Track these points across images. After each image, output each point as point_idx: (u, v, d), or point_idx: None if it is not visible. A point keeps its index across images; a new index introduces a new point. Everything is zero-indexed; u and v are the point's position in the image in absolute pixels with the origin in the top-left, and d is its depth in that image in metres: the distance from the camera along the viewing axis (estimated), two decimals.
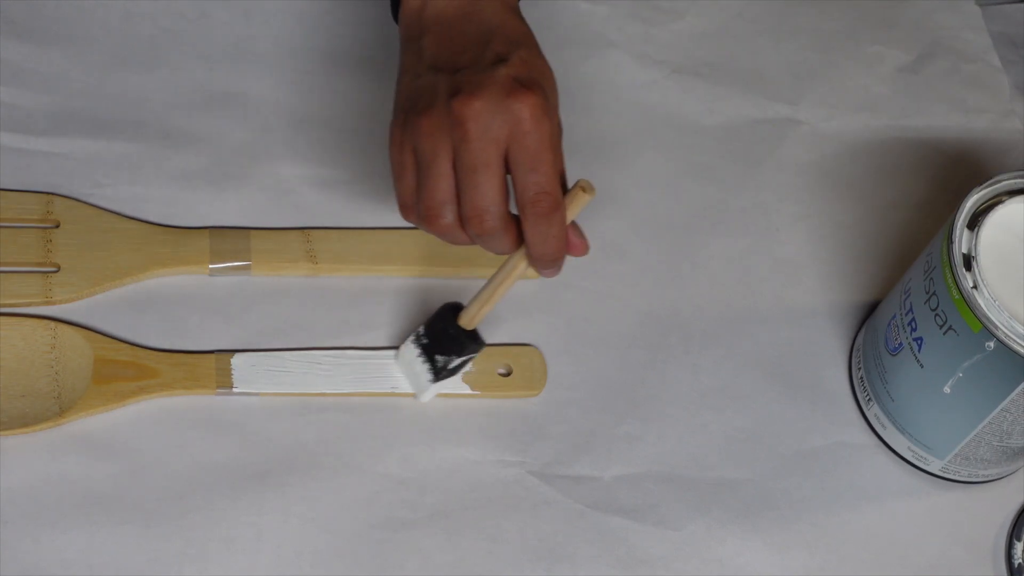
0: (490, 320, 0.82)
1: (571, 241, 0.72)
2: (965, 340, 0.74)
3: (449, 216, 0.70)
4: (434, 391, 0.78)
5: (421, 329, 0.78)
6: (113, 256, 0.80)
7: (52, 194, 0.81)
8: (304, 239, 0.82)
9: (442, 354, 0.77)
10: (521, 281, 0.84)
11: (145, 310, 0.79)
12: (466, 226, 0.70)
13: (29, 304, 0.78)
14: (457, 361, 0.77)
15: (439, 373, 0.77)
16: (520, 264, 0.73)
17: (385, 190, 0.85)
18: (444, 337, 0.77)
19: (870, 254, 0.88)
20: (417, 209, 0.71)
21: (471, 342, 0.77)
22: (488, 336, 0.82)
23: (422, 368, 0.78)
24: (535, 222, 0.70)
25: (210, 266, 0.80)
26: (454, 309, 0.77)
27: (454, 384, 0.79)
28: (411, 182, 0.71)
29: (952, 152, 0.93)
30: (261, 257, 0.81)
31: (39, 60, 0.86)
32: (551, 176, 0.69)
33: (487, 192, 0.69)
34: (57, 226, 0.80)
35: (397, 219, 0.84)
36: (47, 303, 0.78)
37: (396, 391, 0.79)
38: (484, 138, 0.68)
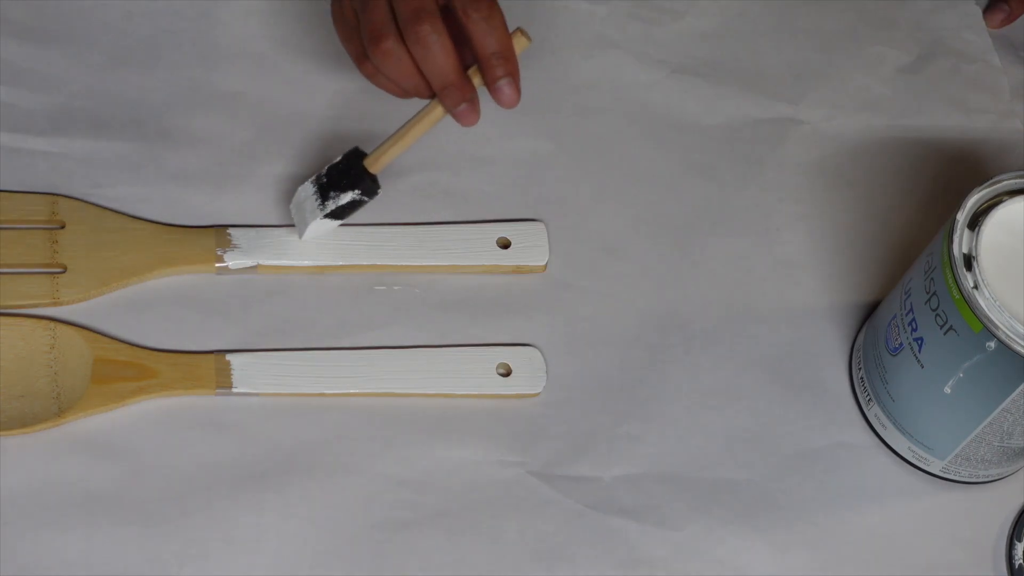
0: (490, 320, 0.82)
1: (502, 89, 0.75)
2: (966, 340, 0.74)
3: (390, 36, 0.73)
4: (316, 228, 0.79)
5: (323, 170, 0.79)
6: (119, 256, 0.80)
7: (57, 195, 0.81)
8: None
9: (336, 190, 0.78)
10: (521, 281, 0.84)
11: (145, 310, 0.79)
12: (406, 36, 0.72)
13: (36, 305, 0.78)
14: (347, 197, 0.77)
15: (327, 207, 0.78)
16: (437, 108, 0.75)
17: (385, 189, 0.85)
18: (343, 174, 0.78)
19: (870, 254, 0.88)
20: (364, 47, 0.74)
21: (369, 181, 0.78)
22: (488, 336, 0.82)
23: (312, 205, 0.78)
24: (475, 19, 0.73)
25: (216, 265, 0.80)
26: (361, 154, 0.78)
27: (453, 384, 0.79)
28: (357, 35, 0.75)
29: (952, 152, 0.93)
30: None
31: (39, 60, 0.86)
32: None
33: None
34: (62, 227, 0.80)
35: (397, 216, 0.84)
36: (54, 304, 0.78)
37: (396, 391, 0.79)
38: None
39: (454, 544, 0.76)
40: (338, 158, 0.79)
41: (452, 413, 0.79)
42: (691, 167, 0.90)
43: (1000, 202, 0.76)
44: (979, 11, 0.99)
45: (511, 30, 0.75)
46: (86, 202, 0.81)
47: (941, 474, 0.81)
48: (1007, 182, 0.76)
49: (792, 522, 0.79)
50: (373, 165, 0.78)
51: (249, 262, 0.81)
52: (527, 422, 0.80)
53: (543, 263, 0.84)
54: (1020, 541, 0.80)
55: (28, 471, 0.74)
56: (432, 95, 0.76)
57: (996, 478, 0.82)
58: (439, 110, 0.77)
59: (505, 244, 0.84)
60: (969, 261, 0.74)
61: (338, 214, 0.79)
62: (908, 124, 0.94)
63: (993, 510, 0.81)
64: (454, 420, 0.79)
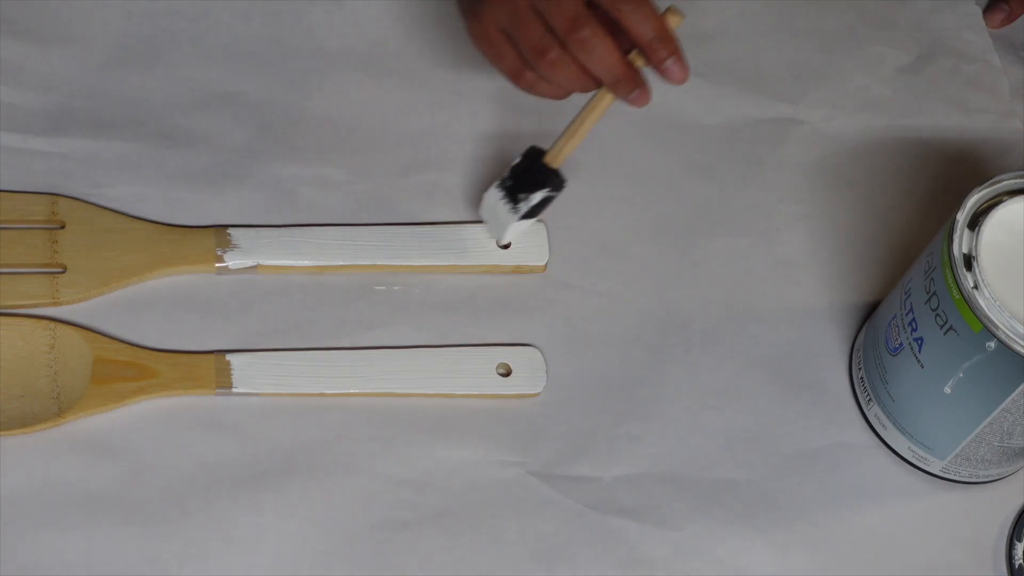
0: (490, 320, 0.82)
1: (670, 69, 0.77)
2: (966, 340, 0.74)
3: (553, 47, 0.75)
4: (515, 231, 0.80)
5: (506, 173, 0.80)
6: (119, 256, 0.80)
7: (57, 195, 0.81)
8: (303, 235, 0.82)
9: (524, 191, 0.79)
10: (521, 281, 0.84)
11: (145, 310, 0.79)
12: (567, 43, 0.75)
13: (36, 305, 0.78)
14: (539, 196, 0.79)
15: (520, 209, 0.79)
16: (605, 97, 0.77)
17: (385, 189, 0.85)
18: (527, 174, 0.79)
19: (870, 254, 0.88)
20: (526, 63, 0.76)
21: (554, 177, 0.79)
22: (488, 336, 0.82)
23: (504, 209, 0.80)
24: (627, 11, 0.75)
25: (216, 265, 0.80)
26: (539, 152, 0.79)
27: (453, 384, 0.79)
28: (510, 51, 0.77)
29: (952, 152, 0.93)
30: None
31: (39, 60, 0.86)
32: None
33: (569, 2, 0.74)
34: (63, 227, 0.80)
35: (397, 216, 0.84)
36: (54, 304, 0.78)
37: (396, 391, 0.79)
38: None
39: (454, 544, 0.76)
40: (517, 159, 0.80)
41: (452, 413, 0.79)
42: (691, 167, 0.90)
43: (1000, 202, 0.76)
44: (979, 11, 0.99)
45: (661, 11, 0.76)
46: (86, 202, 0.81)
47: (941, 474, 0.81)
48: (1007, 182, 0.76)
49: (792, 522, 0.79)
50: (554, 160, 0.80)
51: (249, 262, 0.81)
52: (527, 422, 0.80)
53: (543, 263, 0.84)
54: (1020, 541, 0.80)
55: (28, 471, 0.74)
56: (598, 87, 0.78)
57: (996, 478, 0.82)
58: (609, 98, 0.78)
59: (505, 244, 0.84)
60: (969, 261, 0.74)
61: (532, 213, 0.80)
62: (908, 124, 0.94)
63: (993, 510, 0.81)
64: (454, 420, 0.79)
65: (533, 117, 0.89)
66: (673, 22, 0.77)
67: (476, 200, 0.86)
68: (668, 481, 0.79)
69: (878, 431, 0.82)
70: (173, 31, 0.88)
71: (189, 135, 0.85)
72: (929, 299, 0.75)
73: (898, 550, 0.79)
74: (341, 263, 0.82)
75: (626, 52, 0.77)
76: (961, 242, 0.74)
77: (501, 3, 0.76)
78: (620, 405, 0.81)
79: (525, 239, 0.84)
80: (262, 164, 0.85)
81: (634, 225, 0.87)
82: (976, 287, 0.73)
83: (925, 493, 0.81)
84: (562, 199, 0.87)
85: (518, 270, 0.84)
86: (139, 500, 0.74)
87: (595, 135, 0.90)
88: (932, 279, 0.75)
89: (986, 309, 0.72)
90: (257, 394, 0.78)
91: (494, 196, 0.80)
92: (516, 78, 0.78)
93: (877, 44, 0.97)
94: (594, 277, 0.85)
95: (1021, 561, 0.79)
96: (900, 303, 0.79)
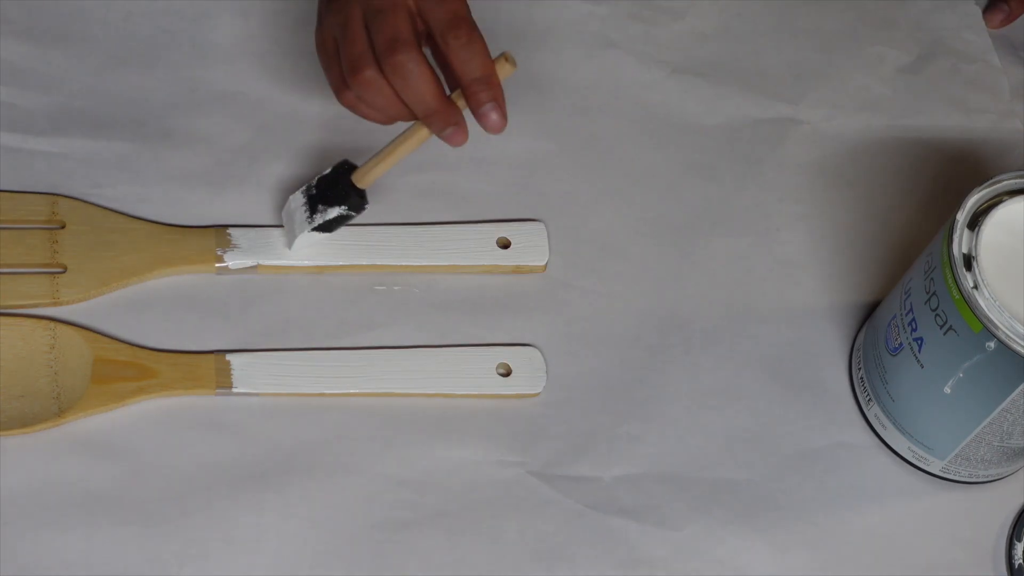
0: (490, 320, 0.82)
1: (487, 115, 0.74)
2: (965, 340, 0.74)
3: (369, 66, 0.73)
4: (303, 242, 0.80)
5: (313, 180, 0.79)
6: (119, 256, 0.80)
7: (57, 195, 0.81)
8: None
9: (324, 203, 0.78)
10: (521, 281, 0.84)
11: (145, 310, 0.79)
12: (384, 67, 0.72)
13: (36, 305, 0.78)
14: (335, 212, 0.78)
15: (315, 221, 0.79)
16: (422, 128, 0.75)
17: (386, 189, 0.85)
18: (331, 188, 0.78)
19: (870, 254, 0.88)
20: (343, 76, 0.74)
21: (356, 197, 0.78)
22: (488, 336, 0.82)
23: (301, 216, 0.79)
24: (456, 47, 0.73)
25: (216, 265, 0.80)
26: (350, 167, 0.79)
27: (453, 384, 0.79)
28: (336, 64, 0.75)
29: (952, 152, 0.93)
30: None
31: (39, 60, 0.86)
32: (461, 3, 0.73)
33: (394, 23, 0.72)
34: (63, 227, 0.80)
35: (397, 216, 0.84)
36: (54, 304, 0.78)
37: (396, 391, 0.79)
38: None
39: (454, 544, 0.76)
40: (328, 169, 0.80)
41: (452, 413, 0.79)
42: (691, 167, 0.90)
43: (1000, 202, 0.76)
44: (979, 11, 0.99)
45: (496, 55, 0.75)
46: (86, 202, 0.81)
47: (941, 474, 0.81)
48: (1007, 182, 0.76)
49: (792, 522, 0.79)
50: (361, 180, 0.79)
51: (249, 262, 0.81)
52: (527, 422, 0.80)
53: (543, 263, 0.84)
54: (1020, 541, 0.80)
55: (28, 471, 0.74)
56: (413, 118, 0.76)
57: (996, 478, 0.82)
58: (425, 131, 0.76)
59: (505, 244, 0.84)
60: (969, 261, 0.74)
61: (325, 228, 0.80)
62: (908, 124, 0.94)
63: (993, 510, 0.81)
64: (454, 420, 0.79)
65: (532, 117, 0.89)
66: (504, 70, 0.74)
67: (476, 200, 0.86)
68: (668, 481, 0.79)
69: (878, 431, 0.82)
70: (173, 31, 0.88)
71: (189, 135, 0.85)
72: (929, 299, 0.75)
73: (898, 550, 0.79)
74: (341, 263, 0.82)
75: (453, 89, 0.75)
76: (961, 242, 0.74)
77: (338, 12, 0.74)
78: (620, 405, 0.81)
79: (525, 239, 0.84)
80: (262, 164, 0.85)
81: (634, 225, 0.87)
82: (976, 287, 0.73)
83: (925, 493, 0.81)
84: (562, 199, 0.87)
85: (518, 270, 0.84)
86: (139, 500, 0.74)
87: (595, 135, 0.90)
88: (932, 279, 0.75)
89: (986, 309, 0.72)
90: (257, 394, 0.78)
91: (296, 201, 0.80)
92: (338, 94, 0.76)
93: (877, 44, 0.97)
94: (594, 277, 0.85)
95: (1021, 561, 0.79)
96: (900, 303, 0.79)
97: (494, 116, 0.74)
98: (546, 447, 0.79)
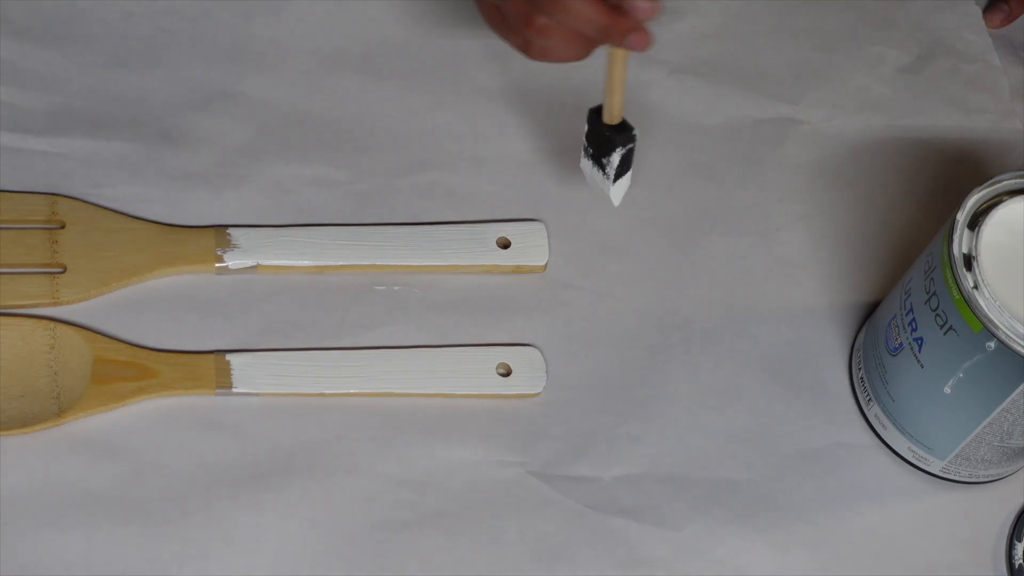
0: (490, 320, 0.82)
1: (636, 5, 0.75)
2: (966, 340, 0.74)
3: (536, 13, 0.74)
4: (617, 191, 0.80)
5: (585, 142, 0.80)
6: (119, 256, 0.80)
7: (57, 195, 0.81)
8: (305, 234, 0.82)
9: (604, 156, 0.79)
10: (521, 281, 0.84)
11: (145, 310, 0.79)
12: (548, 11, 0.74)
13: (36, 305, 0.78)
14: (617, 157, 0.79)
15: (610, 175, 0.79)
16: (615, 49, 0.76)
17: (385, 189, 0.85)
18: (597, 140, 0.79)
19: (870, 254, 0.88)
20: (523, 36, 0.76)
21: (619, 134, 0.79)
22: (488, 336, 0.82)
23: (599, 177, 0.80)
24: None
25: (216, 265, 0.80)
26: (597, 111, 0.79)
27: (453, 384, 0.79)
28: (509, 26, 0.76)
29: (952, 152, 0.93)
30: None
31: (39, 60, 0.86)
32: None
33: None
34: (62, 227, 0.80)
35: (397, 216, 0.84)
36: (54, 304, 0.78)
37: (396, 391, 0.79)
38: None
39: (454, 544, 0.76)
40: (586, 126, 0.80)
41: (452, 413, 0.79)
42: (691, 167, 0.90)
43: (1000, 202, 0.76)
44: (979, 11, 0.99)
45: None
46: (86, 202, 0.81)
47: (941, 474, 0.81)
48: (1007, 182, 0.76)
49: (792, 522, 0.79)
50: (612, 119, 0.79)
51: (249, 262, 0.81)
52: (527, 422, 0.80)
53: (543, 263, 0.84)
54: (1020, 541, 0.80)
55: (28, 471, 0.74)
56: (595, 44, 0.77)
57: (996, 478, 0.82)
58: (617, 48, 0.77)
59: (505, 244, 0.84)
60: (969, 261, 0.74)
61: (622, 171, 0.80)
62: (908, 124, 0.94)
63: (993, 510, 0.81)
64: (454, 420, 0.79)
65: (532, 117, 0.89)
66: None
67: (476, 200, 0.86)
68: (668, 481, 0.79)
69: (878, 431, 0.82)
70: (173, 31, 0.88)
71: (189, 135, 0.85)
72: (929, 299, 0.75)
73: (898, 550, 0.79)
74: (341, 263, 0.82)
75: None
76: (961, 242, 0.74)
77: None
78: (620, 405, 0.81)
79: (525, 239, 0.84)
80: (262, 164, 0.85)
81: (634, 225, 0.87)
82: (976, 287, 0.73)
83: (925, 493, 0.81)
84: (562, 199, 0.87)
85: (518, 270, 0.84)
86: (139, 500, 0.74)
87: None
88: (932, 279, 0.75)
89: (986, 309, 0.72)
90: (257, 394, 0.78)
91: (587, 166, 0.81)
92: (526, 52, 0.78)
93: (877, 44, 0.97)
94: (594, 277, 0.85)
95: (1021, 561, 0.79)
96: (900, 303, 0.79)
97: (640, 40, 0.75)
98: (546, 447, 0.79)
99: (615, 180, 0.79)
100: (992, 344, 0.72)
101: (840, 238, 0.89)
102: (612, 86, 0.77)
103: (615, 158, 0.79)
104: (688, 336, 0.84)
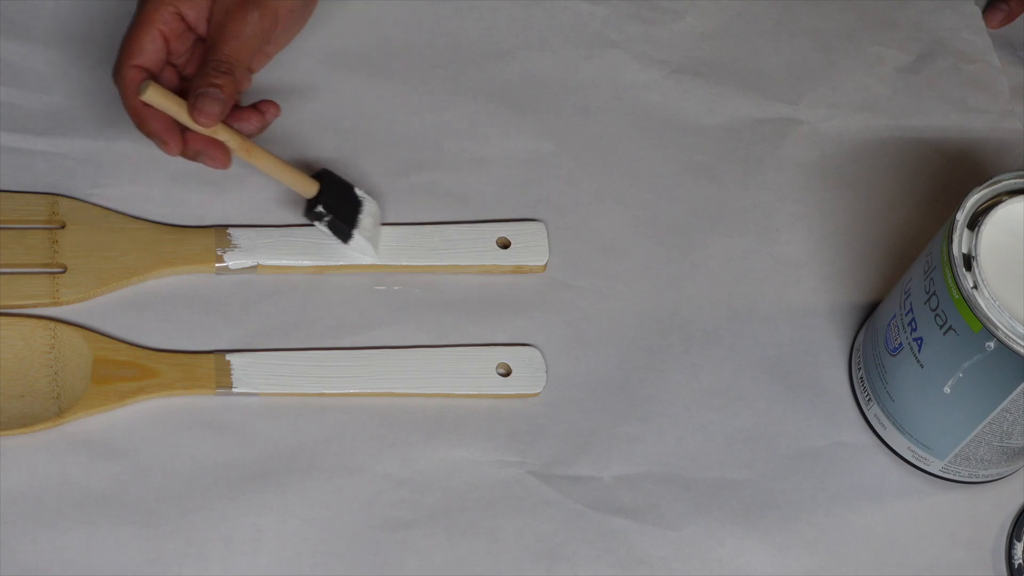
0: (490, 320, 0.82)
1: (242, 116, 0.79)
2: (965, 340, 0.74)
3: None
4: (358, 244, 0.81)
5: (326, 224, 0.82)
6: (119, 256, 0.80)
7: (57, 195, 0.81)
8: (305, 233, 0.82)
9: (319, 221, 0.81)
10: (521, 281, 0.84)
11: (145, 310, 0.79)
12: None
13: (36, 305, 0.78)
14: (323, 222, 0.80)
15: (339, 234, 0.81)
16: (247, 149, 0.78)
17: (385, 189, 0.85)
18: (322, 215, 0.81)
19: (870, 254, 0.88)
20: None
21: (313, 208, 0.80)
22: (488, 336, 0.82)
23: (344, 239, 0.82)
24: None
25: (216, 265, 0.81)
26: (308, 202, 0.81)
27: (453, 384, 0.79)
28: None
29: (952, 152, 0.93)
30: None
31: (39, 60, 0.86)
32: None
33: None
34: (63, 227, 0.80)
35: (397, 216, 0.84)
36: (54, 304, 0.78)
37: (395, 390, 0.79)
38: None
39: (454, 544, 0.76)
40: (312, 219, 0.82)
41: (452, 413, 0.79)
42: (691, 167, 0.90)
43: (1000, 202, 0.76)
44: (979, 11, 0.99)
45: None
46: (86, 202, 0.81)
47: (941, 474, 0.81)
48: (1007, 182, 0.76)
49: (791, 522, 0.79)
50: (308, 193, 0.81)
51: (249, 262, 0.81)
52: (527, 422, 0.80)
53: (543, 263, 0.84)
54: (1020, 541, 0.80)
55: (28, 471, 0.74)
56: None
57: (996, 478, 0.82)
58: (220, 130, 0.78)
59: (505, 244, 0.84)
60: (969, 261, 0.74)
61: (339, 234, 0.81)
62: (908, 124, 0.94)
63: (993, 510, 0.81)
64: (454, 420, 0.79)
65: (532, 117, 0.89)
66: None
67: (476, 200, 0.86)
68: (668, 481, 0.79)
69: (878, 431, 0.82)
70: None
71: None
72: (929, 299, 0.75)
73: (898, 550, 0.79)
74: (341, 263, 0.82)
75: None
76: (961, 242, 0.74)
77: None
78: (620, 405, 0.81)
79: (525, 239, 0.84)
80: None
81: (634, 225, 0.87)
82: (976, 287, 0.73)
83: (925, 493, 0.81)
84: (562, 199, 0.87)
85: (518, 270, 0.84)
86: (139, 500, 0.74)
87: (595, 135, 0.90)
88: (932, 279, 0.75)
89: (986, 309, 0.72)
90: (257, 394, 0.78)
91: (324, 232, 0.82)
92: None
93: (877, 44, 0.97)
94: (594, 277, 0.85)
95: (1021, 561, 0.79)
96: (900, 303, 0.79)
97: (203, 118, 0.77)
98: (546, 447, 0.79)
99: (348, 240, 0.81)
100: (992, 344, 0.72)
101: (840, 238, 0.89)
102: (274, 173, 0.79)
103: (324, 222, 0.80)
104: (688, 336, 0.84)
